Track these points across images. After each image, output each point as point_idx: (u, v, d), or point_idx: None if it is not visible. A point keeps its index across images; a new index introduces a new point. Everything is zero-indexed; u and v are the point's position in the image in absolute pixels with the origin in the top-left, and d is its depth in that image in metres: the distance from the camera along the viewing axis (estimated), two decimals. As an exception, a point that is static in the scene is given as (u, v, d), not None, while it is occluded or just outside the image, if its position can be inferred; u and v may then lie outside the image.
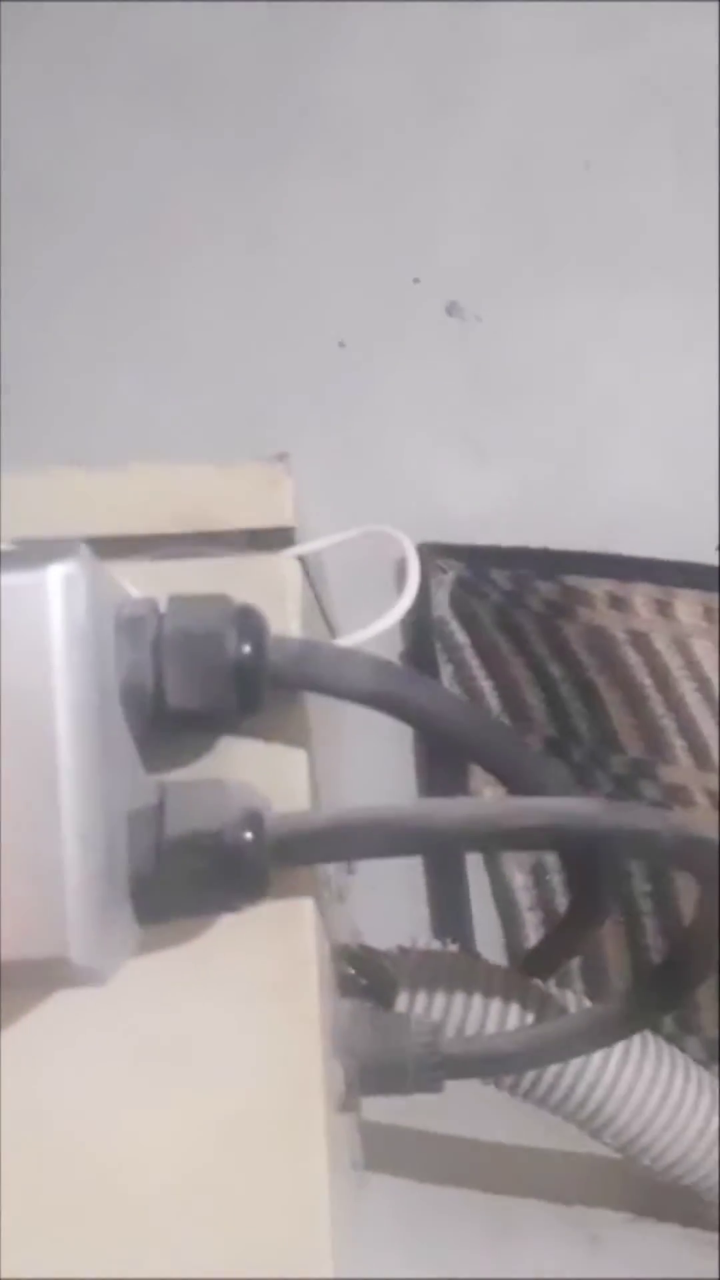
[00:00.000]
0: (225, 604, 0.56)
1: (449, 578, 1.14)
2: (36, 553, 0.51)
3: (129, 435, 1.11)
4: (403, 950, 0.73)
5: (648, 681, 1.12)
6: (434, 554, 1.13)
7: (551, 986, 0.73)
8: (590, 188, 1.21)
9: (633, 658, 1.12)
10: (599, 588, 1.14)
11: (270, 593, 0.59)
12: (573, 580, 1.14)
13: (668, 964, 0.65)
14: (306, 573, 0.62)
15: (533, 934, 1.11)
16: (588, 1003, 0.72)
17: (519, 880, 1.10)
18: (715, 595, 1.12)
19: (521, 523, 1.14)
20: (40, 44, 1.30)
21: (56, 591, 0.50)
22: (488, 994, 0.71)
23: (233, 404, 1.12)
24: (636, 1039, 0.72)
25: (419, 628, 1.12)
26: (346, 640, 0.59)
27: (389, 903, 0.95)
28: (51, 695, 0.50)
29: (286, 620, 0.60)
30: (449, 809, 0.54)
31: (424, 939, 0.72)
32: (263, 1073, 0.57)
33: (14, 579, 0.50)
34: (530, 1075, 0.71)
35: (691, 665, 1.11)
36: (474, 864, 1.07)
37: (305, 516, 0.68)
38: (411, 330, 1.16)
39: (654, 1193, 0.77)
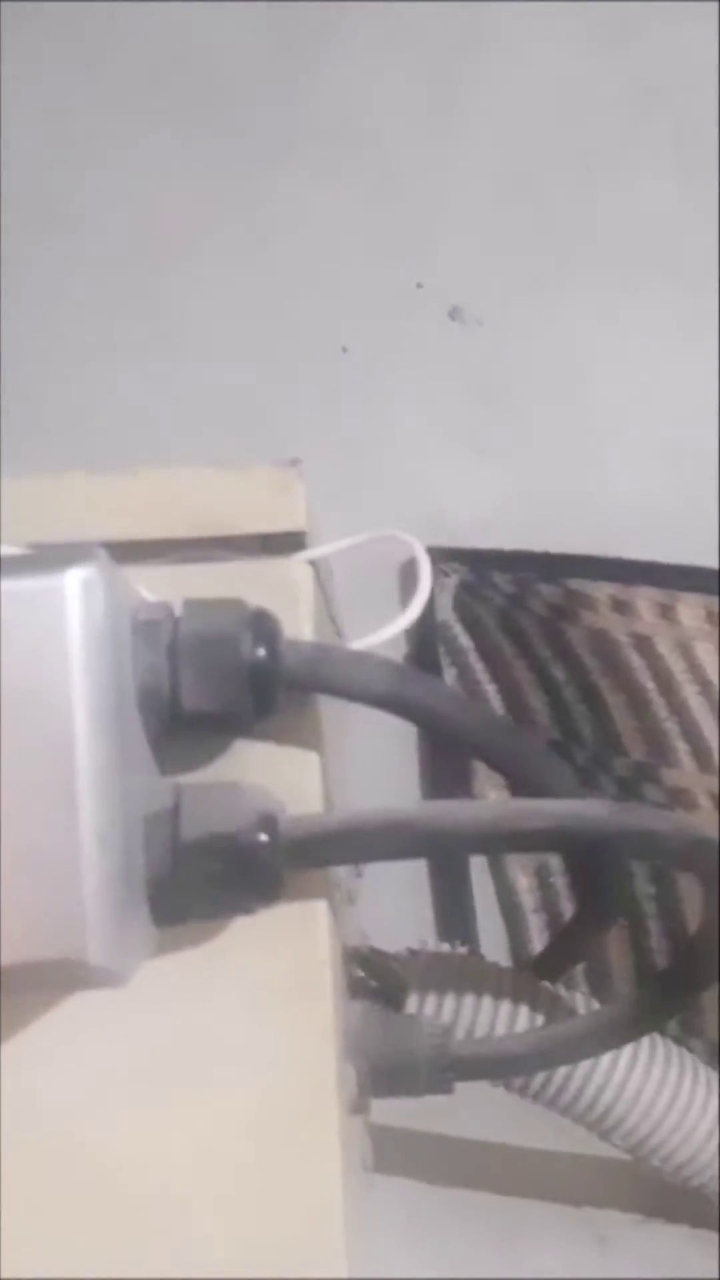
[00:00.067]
0: (240, 608, 0.57)
1: (452, 581, 1.15)
2: (54, 557, 0.52)
3: (132, 440, 1.12)
4: (412, 953, 0.74)
5: (650, 685, 1.13)
6: (437, 558, 1.14)
7: (560, 989, 0.74)
8: (592, 190, 1.23)
9: (635, 661, 1.13)
10: (602, 591, 1.15)
11: (283, 596, 0.60)
12: (575, 584, 1.15)
13: (676, 966, 0.66)
14: (316, 576, 0.63)
15: (537, 937, 1.12)
16: (596, 1005, 0.73)
17: (523, 883, 1.11)
18: (717, 598, 1.13)
19: (524, 526, 1.15)
20: (41, 45, 1.31)
21: (75, 595, 0.51)
22: (497, 996, 0.72)
23: (236, 409, 1.13)
24: (645, 1041, 0.73)
25: (423, 631, 1.13)
26: (358, 644, 0.60)
27: (394, 906, 0.96)
28: (69, 698, 0.51)
29: (299, 624, 0.60)
30: (461, 811, 0.55)
31: (432, 942, 0.73)
32: (277, 1074, 0.58)
33: (32, 583, 0.51)
34: (540, 1077, 0.71)
35: (694, 668, 1.12)
36: (478, 867, 1.08)
37: (310, 520, 0.69)
38: (414, 335, 1.17)
39: (662, 1194, 0.78)
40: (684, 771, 1.10)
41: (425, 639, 1.13)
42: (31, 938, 0.51)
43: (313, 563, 0.63)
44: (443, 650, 1.14)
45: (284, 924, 0.58)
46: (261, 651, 0.56)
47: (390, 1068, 0.67)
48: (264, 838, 0.54)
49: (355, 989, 0.69)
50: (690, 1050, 0.78)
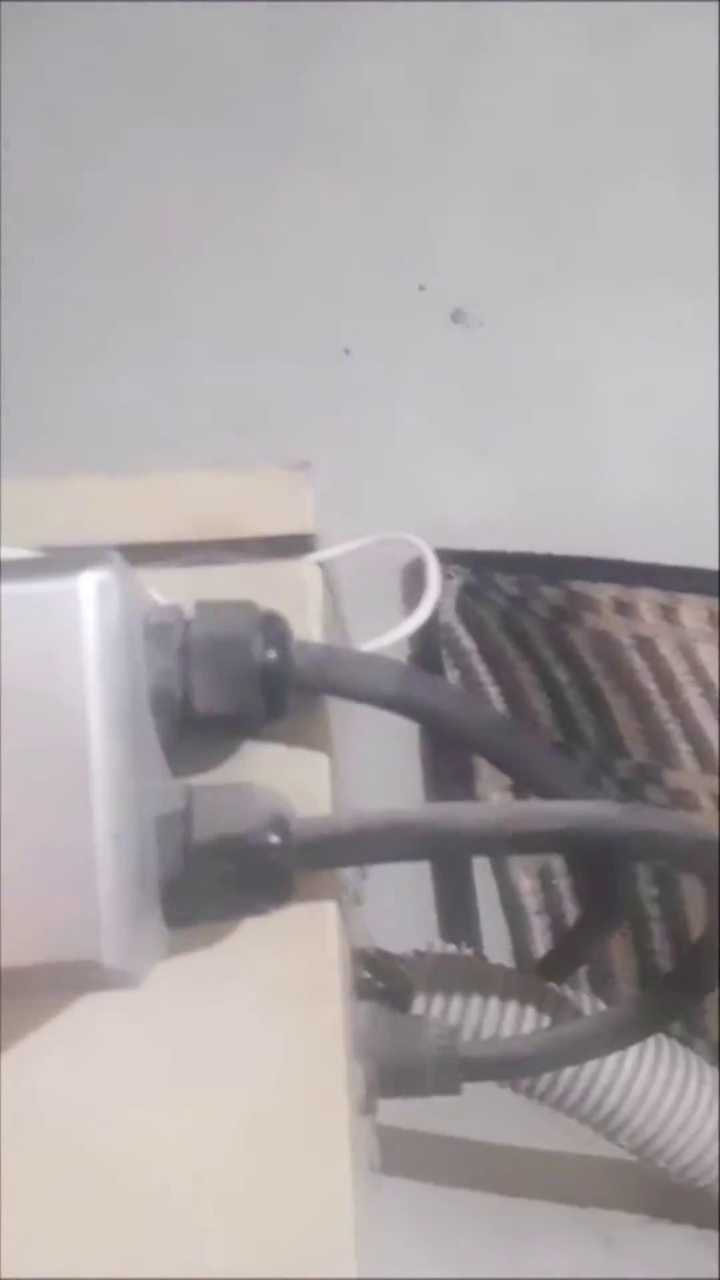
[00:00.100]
0: (250, 610, 0.57)
1: (455, 583, 1.16)
2: (68, 560, 0.52)
3: (132, 441, 1.13)
4: (419, 954, 0.75)
5: (653, 686, 1.13)
6: (440, 560, 1.14)
7: (566, 990, 0.74)
8: (593, 191, 1.23)
9: (638, 662, 1.14)
10: (604, 593, 1.15)
11: (292, 599, 0.61)
12: (578, 585, 1.16)
13: (682, 968, 0.67)
14: (325, 578, 0.63)
15: (540, 938, 1.13)
16: (601, 1006, 0.74)
17: (526, 885, 1.12)
18: (718, 600, 1.13)
19: (526, 528, 1.16)
20: (41, 46, 1.31)
21: (90, 598, 0.52)
22: (503, 997, 0.72)
23: (238, 410, 1.14)
24: (650, 1041, 0.74)
25: (425, 633, 1.14)
26: (367, 646, 0.61)
27: (397, 907, 0.96)
28: (84, 701, 0.51)
29: (308, 626, 0.61)
30: (472, 813, 0.56)
31: (438, 943, 0.73)
32: (287, 1075, 0.59)
33: (46, 586, 0.52)
34: (546, 1078, 0.72)
35: (696, 670, 1.13)
36: (481, 869, 1.09)
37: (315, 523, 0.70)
38: (416, 337, 1.17)
39: (668, 1194, 0.79)
40: (686, 773, 1.11)
41: (428, 641, 1.13)
42: (45, 939, 0.51)
43: (320, 565, 0.64)
44: (445, 652, 1.14)
45: (293, 925, 0.59)
46: (273, 654, 0.56)
47: (398, 1069, 0.67)
48: (275, 839, 0.55)
49: (362, 990, 0.70)
50: (693, 1050, 0.79)
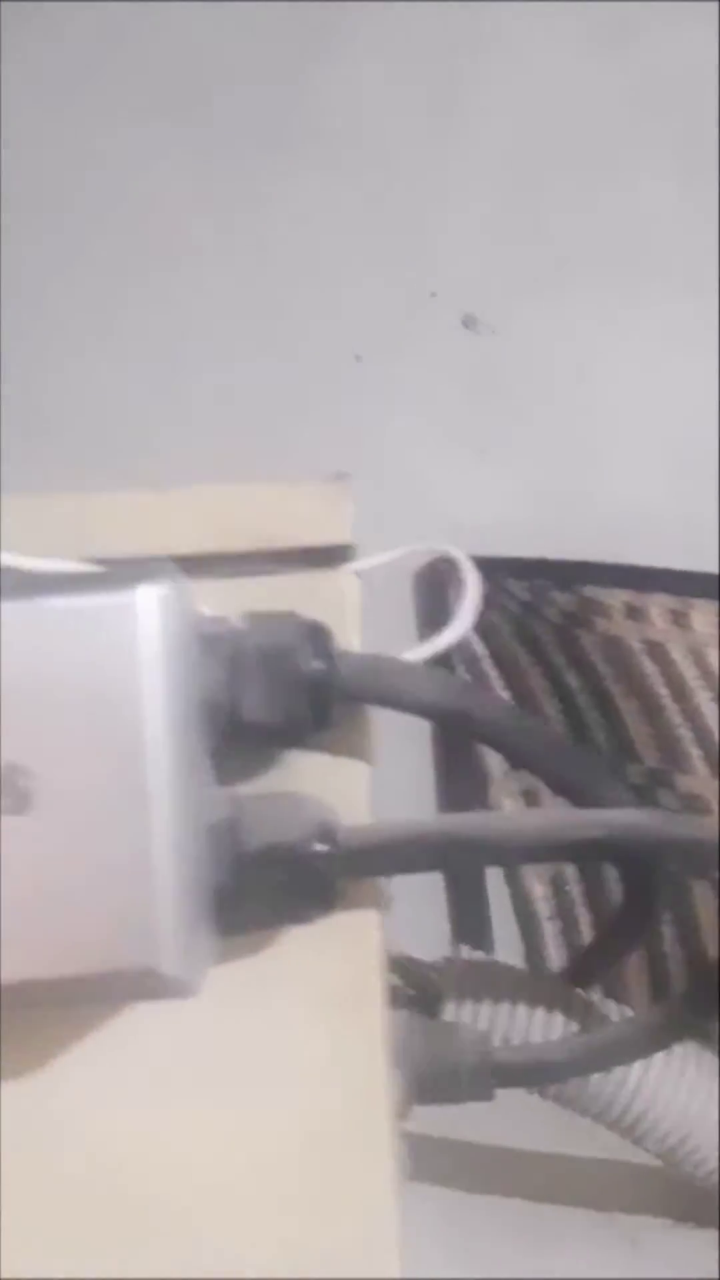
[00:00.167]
0: (296, 621, 0.59)
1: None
2: (126, 573, 0.54)
3: (146, 449, 1.14)
4: (448, 961, 0.76)
5: (664, 691, 1.15)
6: (453, 565, 1.16)
7: (593, 996, 0.76)
8: (600, 195, 1.25)
9: (649, 667, 1.16)
10: (615, 598, 1.17)
11: (331, 609, 0.62)
12: (589, 591, 1.18)
13: (715, 973, 0.69)
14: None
15: (552, 944, 1.14)
16: (628, 1012, 0.75)
17: (538, 891, 1.14)
18: (728, 604, 1.15)
19: (537, 533, 1.18)
20: (42, 47, 1.32)
21: (147, 611, 0.53)
22: (532, 1003, 0.74)
23: (251, 418, 1.16)
24: (677, 1046, 0.76)
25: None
26: (408, 655, 0.62)
27: (409, 914, 0.98)
28: (142, 712, 0.53)
29: (348, 636, 0.63)
30: (519, 822, 0.58)
31: (465, 950, 0.75)
32: (330, 1081, 0.60)
33: (105, 599, 0.53)
34: (574, 1082, 0.74)
35: (707, 675, 1.15)
36: (493, 875, 1.11)
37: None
38: (427, 343, 1.19)
39: (692, 1198, 0.80)
40: (697, 777, 1.13)
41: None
42: (104, 948, 0.53)
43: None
44: (457, 657, 1.16)
45: (336, 932, 0.61)
46: (320, 664, 0.58)
47: (432, 1075, 0.69)
48: (324, 848, 0.56)
49: (392, 997, 0.71)
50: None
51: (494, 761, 1.16)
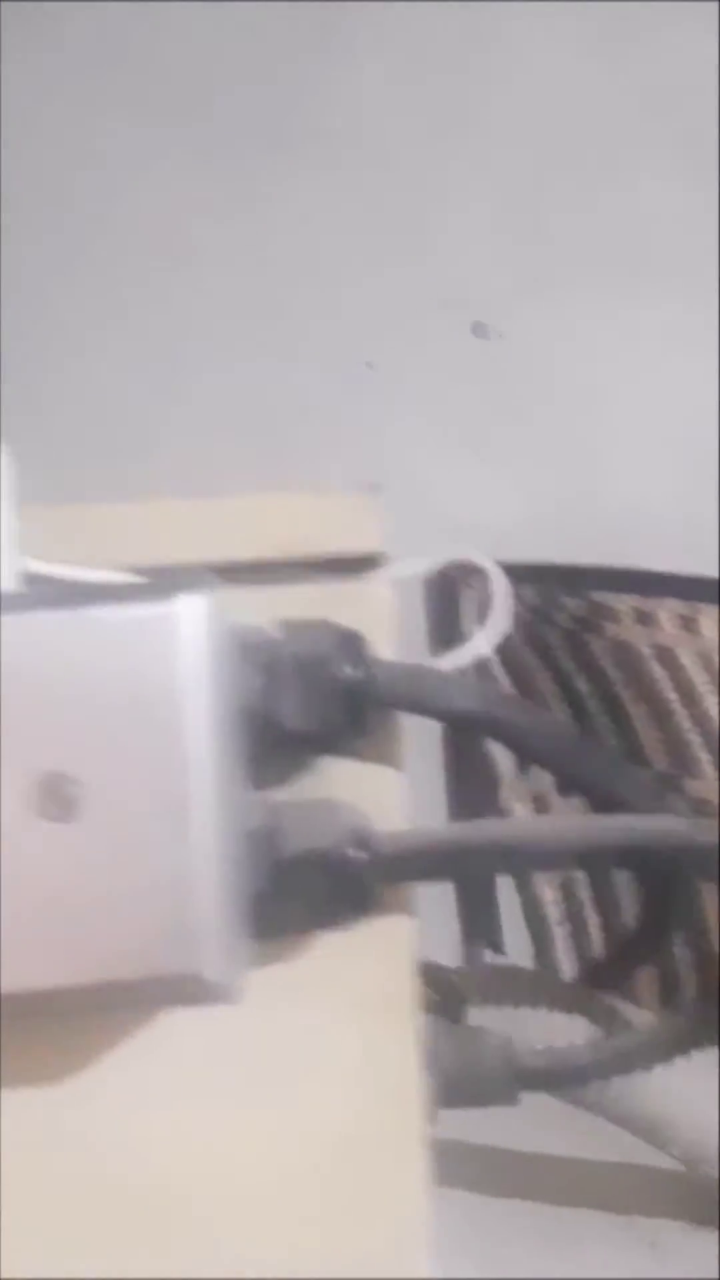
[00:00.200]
0: (332, 629, 0.60)
1: (475, 593, 1.18)
2: (166, 583, 0.55)
3: (153, 456, 1.15)
4: (470, 965, 0.77)
5: (673, 696, 1.16)
6: (460, 571, 1.16)
7: (615, 1000, 0.77)
8: (604, 199, 1.26)
9: (658, 672, 1.17)
10: (624, 603, 1.18)
11: (365, 617, 0.63)
12: (599, 596, 1.18)
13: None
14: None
15: (562, 948, 1.15)
16: (649, 1016, 0.76)
17: (548, 895, 1.14)
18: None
19: (546, 538, 1.18)
20: (46, 49, 1.33)
21: (188, 621, 0.54)
22: (555, 1007, 0.75)
23: (263, 426, 1.16)
24: (697, 1051, 0.77)
25: (448, 643, 1.15)
26: (440, 662, 0.63)
27: (420, 918, 0.98)
28: (184, 719, 0.54)
29: (381, 643, 0.64)
30: (555, 828, 0.58)
31: (489, 955, 0.76)
32: (363, 1086, 0.61)
33: (145, 609, 0.54)
34: (595, 1086, 0.75)
35: (716, 680, 1.15)
36: (503, 879, 1.11)
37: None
38: (438, 350, 1.20)
39: (713, 1202, 0.81)
40: (706, 782, 1.14)
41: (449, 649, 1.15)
42: (147, 954, 0.54)
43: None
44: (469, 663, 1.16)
45: (369, 937, 0.61)
46: (357, 672, 0.59)
47: (457, 1079, 0.70)
48: (362, 854, 0.57)
49: (417, 1001, 0.72)
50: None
51: (504, 764, 1.17)
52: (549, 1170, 0.83)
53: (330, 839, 0.57)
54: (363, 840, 0.57)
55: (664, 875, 0.67)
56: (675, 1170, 0.79)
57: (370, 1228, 0.60)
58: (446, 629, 1.17)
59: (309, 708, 0.58)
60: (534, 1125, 0.78)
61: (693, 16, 1.36)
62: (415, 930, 0.63)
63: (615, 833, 0.59)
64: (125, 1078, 0.60)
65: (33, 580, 0.59)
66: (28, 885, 0.53)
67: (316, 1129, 0.61)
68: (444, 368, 1.19)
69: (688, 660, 1.18)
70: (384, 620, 0.64)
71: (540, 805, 1.18)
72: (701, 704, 1.17)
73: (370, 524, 0.65)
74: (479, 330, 1.17)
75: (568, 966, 1.18)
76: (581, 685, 1.18)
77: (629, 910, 1.08)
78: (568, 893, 1.13)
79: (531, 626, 1.18)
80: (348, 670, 0.58)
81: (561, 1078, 0.71)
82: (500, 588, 0.65)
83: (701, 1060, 0.77)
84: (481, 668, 1.16)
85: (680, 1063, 0.77)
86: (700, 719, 1.16)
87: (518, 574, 1.21)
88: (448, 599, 1.11)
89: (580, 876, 1.14)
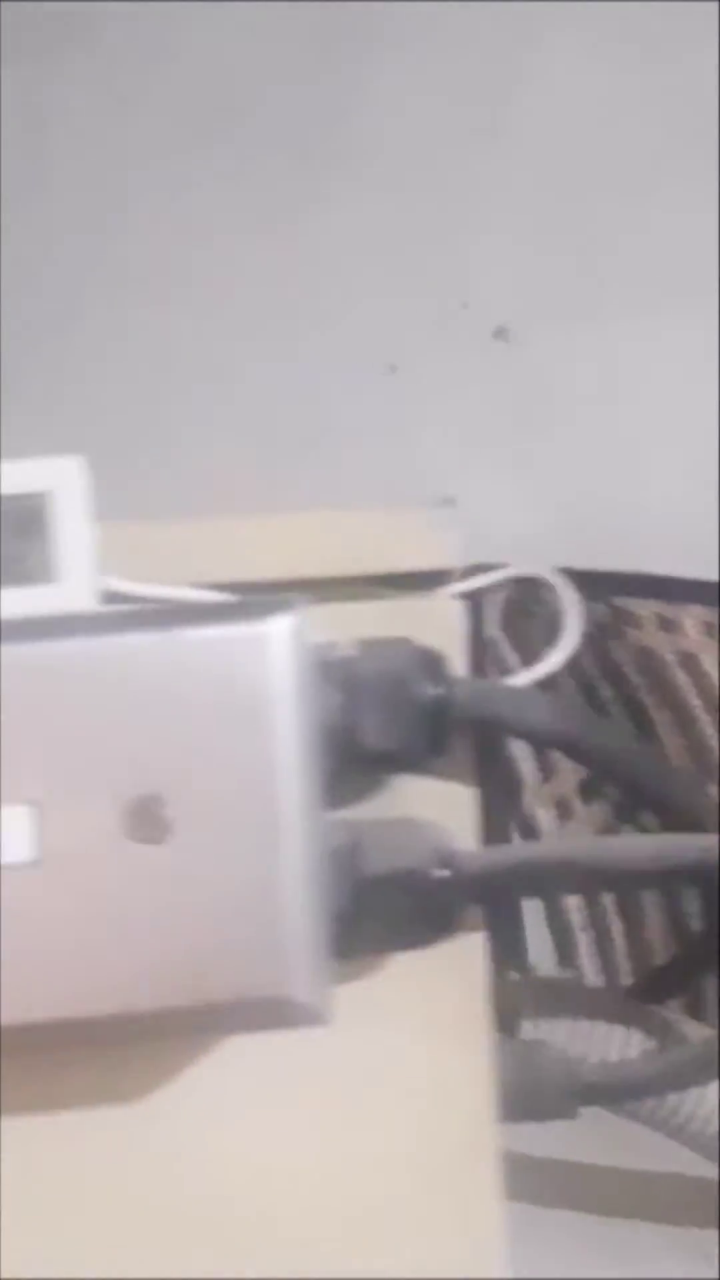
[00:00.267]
0: (411, 647, 0.60)
1: (500, 597, 1.18)
2: (257, 604, 0.55)
3: (187, 463, 1.14)
4: (521, 977, 0.77)
5: (697, 702, 1.16)
6: (483, 573, 1.16)
7: (668, 1013, 0.77)
8: (634, 211, 1.26)
9: (681, 678, 1.17)
10: (648, 609, 1.18)
11: (436, 633, 0.63)
12: (621, 601, 1.18)
13: None
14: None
15: (585, 955, 1.15)
16: (707, 1030, 0.76)
17: (571, 901, 1.15)
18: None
19: (568, 543, 1.18)
20: (92, 61, 1.33)
21: (280, 641, 0.54)
22: (609, 1020, 0.75)
23: (285, 430, 1.16)
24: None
25: (473, 648, 1.15)
26: (514, 679, 0.63)
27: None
28: (274, 740, 0.54)
29: (453, 659, 0.64)
30: (634, 847, 0.58)
31: (544, 967, 0.76)
32: (438, 1103, 0.61)
33: (237, 629, 0.54)
34: (652, 1100, 0.75)
35: (740, 686, 1.16)
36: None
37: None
38: (460, 354, 1.20)
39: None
40: (729, 788, 1.14)
41: (474, 655, 1.15)
42: (238, 976, 0.54)
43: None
44: (492, 668, 1.17)
45: (443, 954, 0.62)
46: (438, 690, 0.59)
47: (519, 1094, 0.70)
48: (446, 874, 0.57)
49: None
50: None
51: (526, 768, 1.17)
52: (603, 1182, 0.84)
53: (413, 858, 0.57)
54: (446, 859, 0.57)
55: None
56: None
57: (445, 1243, 0.61)
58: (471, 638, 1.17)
59: (389, 726, 0.58)
60: (588, 1135, 0.78)
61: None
62: (487, 948, 0.63)
63: (693, 852, 0.59)
64: (203, 1096, 0.60)
65: (111, 598, 0.59)
66: (122, 909, 0.53)
67: (391, 1146, 0.61)
68: (466, 372, 1.19)
69: (711, 666, 1.18)
70: (454, 636, 0.64)
71: (563, 810, 1.18)
72: (724, 710, 1.17)
73: (445, 539, 0.65)
74: (500, 334, 1.17)
75: (591, 973, 1.18)
76: (604, 691, 1.18)
77: (652, 917, 1.09)
78: (590, 899, 1.13)
79: (551, 628, 1.18)
80: (429, 689, 0.58)
81: (621, 1092, 0.72)
82: (571, 603, 0.65)
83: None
84: (506, 673, 1.17)
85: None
86: (723, 725, 1.17)
87: (536, 580, 1.21)
88: (471, 606, 1.11)
89: (604, 883, 1.14)
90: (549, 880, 0.60)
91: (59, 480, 0.57)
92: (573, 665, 1.21)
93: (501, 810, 1.15)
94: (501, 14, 1.31)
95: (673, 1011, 0.78)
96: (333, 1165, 0.60)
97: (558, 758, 1.16)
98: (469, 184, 1.26)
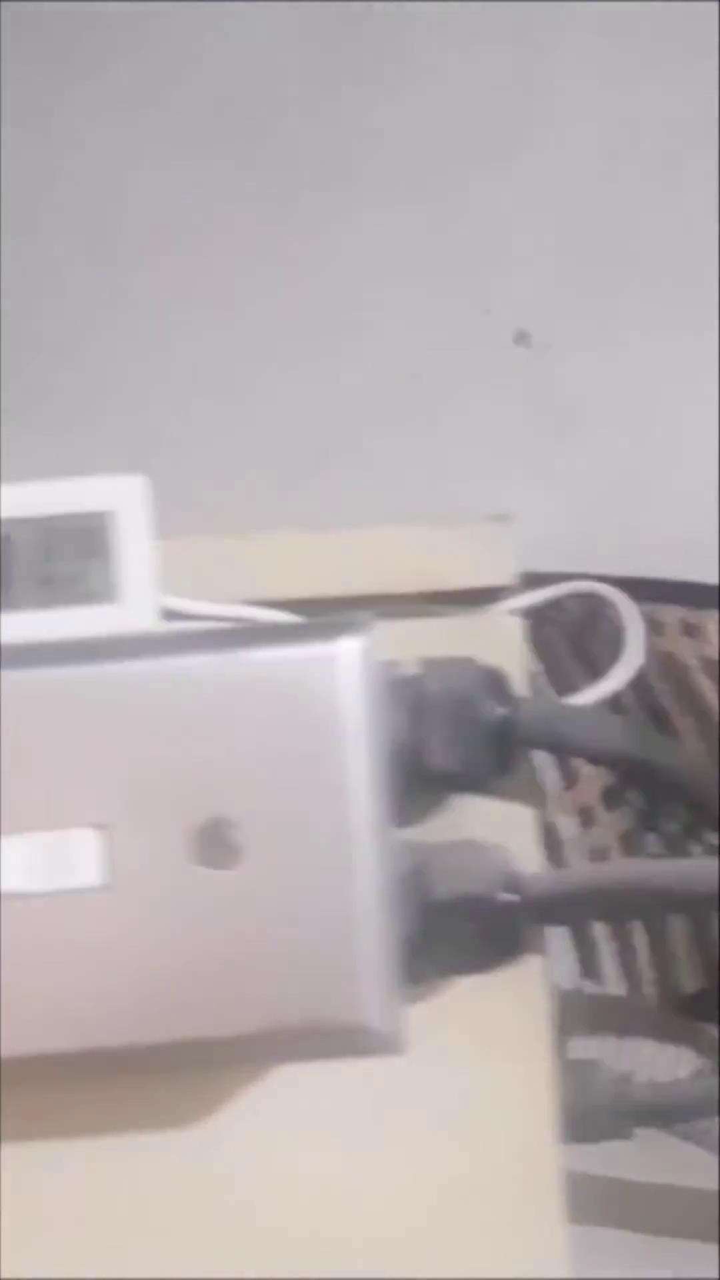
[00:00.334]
0: (475, 666, 0.59)
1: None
2: (326, 624, 0.54)
3: (202, 470, 1.14)
4: (567, 995, 0.77)
5: (720, 708, 1.16)
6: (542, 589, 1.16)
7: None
8: (657, 217, 1.26)
9: (705, 684, 1.17)
10: (671, 615, 1.18)
11: (496, 651, 0.63)
12: (644, 607, 1.18)
13: None
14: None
15: (608, 964, 1.15)
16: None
17: (596, 911, 1.14)
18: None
19: (590, 548, 1.18)
20: (109, 70, 1.32)
21: (350, 663, 0.54)
22: (659, 1038, 0.75)
23: (307, 439, 1.16)
24: None
25: (496, 655, 1.15)
26: (576, 699, 0.63)
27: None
28: (345, 762, 0.53)
29: (514, 677, 0.63)
30: (703, 869, 0.58)
31: (590, 985, 0.76)
32: (498, 1125, 0.61)
33: (308, 650, 0.54)
34: (706, 1121, 0.75)
35: (763, 693, 1.16)
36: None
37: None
38: (483, 360, 1.19)
39: None
40: (753, 796, 1.14)
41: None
42: (311, 1003, 0.53)
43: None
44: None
45: (504, 975, 0.61)
46: (505, 710, 0.58)
47: (573, 1114, 0.70)
48: (514, 898, 0.57)
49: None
50: None
51: (549, 776, 1.17)
52: (654, 1201, 0.84)
53: (480, 882, 0.57)
54: (513, 883, 0.57)
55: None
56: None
57: (507, 1268, 0.60)
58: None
59: (454, 746, 0.58)
60: (634, 1153, 0.78)
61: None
62: (548, 970, 0.63)
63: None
64: (261, 1120, 0.60)
65: (170, 616, 0.58)
66: (192, 934, 0.52)
67: (453, 1170, 0.61)
68: (488, 379, 1.19)
69: (734, 673, 1.18)
70: (513, 653, 0.64)
71: (586, 818, 1.18)
72: (748, 716, 1.17)
73: (502, 556, 0.64)
74: (522, 339, 1.16)
75: (615, 983, 1.18)
76: (626, 697, 1.18)
77: (675, 927, 1.08)
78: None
79: (577, 638, 1.18)
80: (495, 709, 0.58)
81: (675, 1113, 0.71)
82: (633, 620, 0.65)
83: None
84: (529, 679, 1.16)
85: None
86: (747, 731, 1.17)
87: (561, 584, 1.21)
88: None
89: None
90: (616, 904, 0.59)
91: (122, 499, 0.57)
92: (594, 670, 1.21)
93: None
94: (524, 19, 1.30)
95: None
96: (392, 1187, 0.60)
97: (579, 765, 1.16)
98: (489, 189, 1.25)
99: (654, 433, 1.18)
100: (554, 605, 1.19)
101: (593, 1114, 0.70)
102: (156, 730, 0.53)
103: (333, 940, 0.52)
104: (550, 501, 1.16)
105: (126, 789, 0.52)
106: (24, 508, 0.57)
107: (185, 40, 1.34)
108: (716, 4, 1.31)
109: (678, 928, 1.07)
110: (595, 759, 0.60)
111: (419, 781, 0.58)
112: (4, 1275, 0.57)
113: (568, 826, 1.18)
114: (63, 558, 0.57)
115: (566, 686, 1.19)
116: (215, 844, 0.52)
